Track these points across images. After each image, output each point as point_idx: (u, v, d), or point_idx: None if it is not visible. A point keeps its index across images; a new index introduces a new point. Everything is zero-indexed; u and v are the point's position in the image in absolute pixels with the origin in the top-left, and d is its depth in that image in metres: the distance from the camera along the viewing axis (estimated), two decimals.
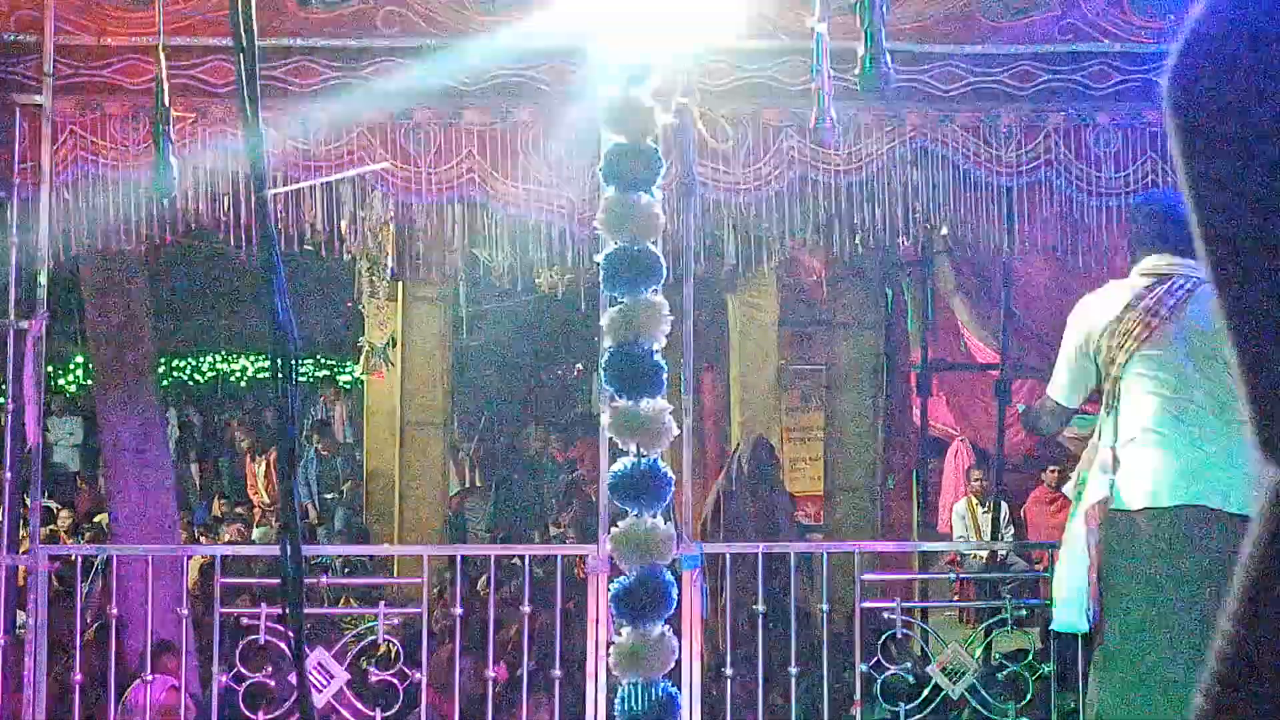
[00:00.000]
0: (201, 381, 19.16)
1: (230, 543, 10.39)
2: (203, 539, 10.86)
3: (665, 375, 3.94)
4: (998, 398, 9.55)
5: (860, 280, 9.58)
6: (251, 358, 18.61)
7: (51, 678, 5.17)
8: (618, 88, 3.92)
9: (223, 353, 19.00)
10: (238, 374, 19.17)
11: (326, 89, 5.06)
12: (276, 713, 4.99)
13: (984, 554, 9.71)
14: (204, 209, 5.07)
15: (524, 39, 5.06)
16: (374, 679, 5.21)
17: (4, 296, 4.99)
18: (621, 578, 3.96)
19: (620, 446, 3.97)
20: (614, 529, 3.97)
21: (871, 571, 5.35)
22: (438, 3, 5.06)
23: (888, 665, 5.22)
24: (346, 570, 9.25)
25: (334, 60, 5.06)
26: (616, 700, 3.98)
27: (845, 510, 9.86)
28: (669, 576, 3.98)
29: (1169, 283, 4.34)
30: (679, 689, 4.33)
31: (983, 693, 5.33)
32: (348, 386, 17.08)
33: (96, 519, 10.83)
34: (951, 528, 11.35)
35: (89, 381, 10.49)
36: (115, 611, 5.23)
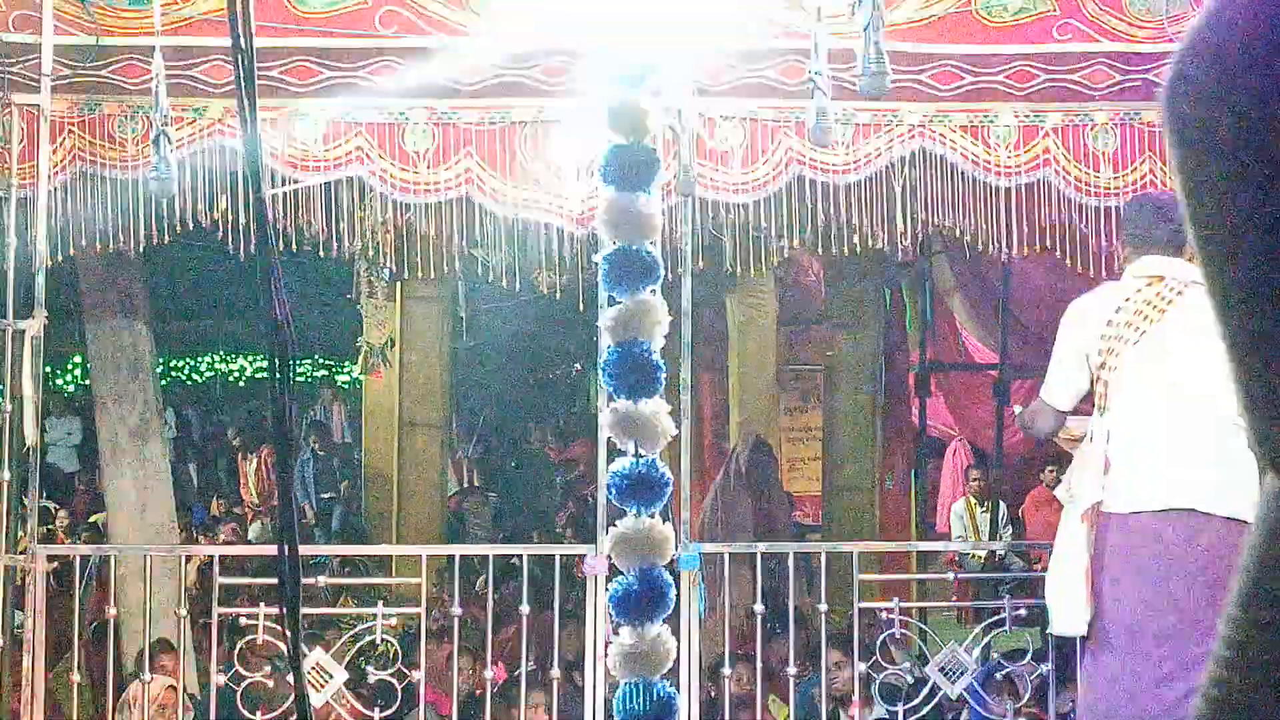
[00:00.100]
0: (200, 381, 19.16)
1: (226, 542, 10.39)
2: (201, 539, 10.85)
3: (664, 375, 3.94)
4: (996, 398, 9.57)
5: (859, 280, 9.58)
6: (250, 358, 18.61)
7: (50, 677, 5.17)
8: (616, 88, 3.92)
9: (221, 353, 19.00)
10: (236, 374, 19.17)
11: (325, 89, 5.06)
12: (274, 713, 4.99)
13: (982, 554, 9.72)
14: (202, 209, 5.07)
15: (522, 39, 5.07)
16: (372, 679, 5.21)
17: (2, 296, 4.99)
18: (620, 578, 3.96)
19: (619, 446, 3.96)
20: (612, 529, 3.97)
21: (870, 572, 5.36)
22: (436, 2, 5.06)
23: (886, 665, 5.23)
24: (345, 570, 9.25)
25: (332, 60, 5.06)
26: (615, 700, 3.98)
27: (844, 510, 9.86)
28: (667, 577, 3.98)
29: (1160, 284, 4.34)
30: (677, 689, 4.33)
31: (981, 692, 5.33)
32: (346, 387, 17.08)
33: (92, 519, 10.83)
34: (950, 528, 11.36)
35: (87, 381, 10.49)
36: (114, 612, 5.23)
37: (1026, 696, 5.33)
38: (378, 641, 5.11)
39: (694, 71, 4.99)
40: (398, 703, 5.07)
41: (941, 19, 5.12)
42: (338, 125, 5.08)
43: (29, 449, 4.96)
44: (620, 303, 3.92)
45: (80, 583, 5.17)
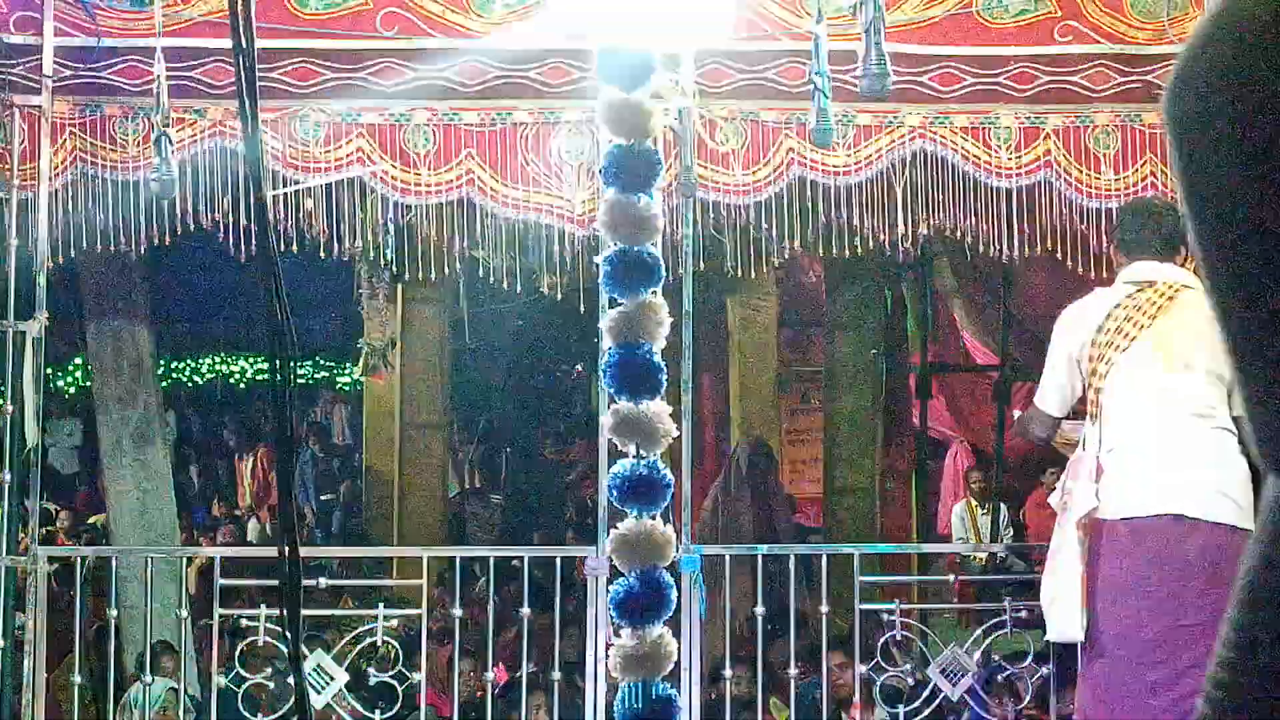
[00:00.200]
0: (200, 383, 19.16)
1: (223, 544, 10.39)
2: (202, 541, 10.86)
3: (665, 377, 3.94)
4: (997, 400, 9.57)
5: (859, 282, 9.57)
6: (250, 359, 18.60)
7: (50, 679, 5.17)
8: (617, 89, 3.92)
9: (222, 354, 19.00)
10: (236, 376, 19.16)
11: (325, 90, 5.06)
12: (275, 714, 4.99)
13: (983, 556, 9.71)
14: (203, 210, 5.07)
15: (523, 40, 5.07)
16: (373, 680, 5.21)
17: (3, 298, 4.99)
18: (621, 579, 3.96)
19: (620, 448, 3.96)
20: (614, 531, 3.97)
21: (871, 574, 5.35)
22: (436, 4, 5.06)
23: (887, 667, 5.22)
24: (343, 572, 9.24)
25: (333, 61, 5.06)
26: (615, 702, 3.98)
27: (845, 512, 9.86)
28: (668, 578, 3.98)
29: (1151, 290, 4.35)
30: (678, 691, 4.33)
31: (982, 695, 5.33)
32: (347, 388, 17.07)
33: (91, 520, 10.83)
34: (951, 530, 11.35)
35: (88, 383, 10.49)
36: (114, 613, 5.23)
37: (1027, 699, 5.33)
38: (378, 643, 5.11)
39: (694, 73, 4.99)
40: (398, 704, 5.06)
41: (943, 21, 5.12)
42: (338, 126, 5.08)
43: (30, 450, 4.96)
44: (621, 304, 3.92)
45: (78, 585, 5.17)
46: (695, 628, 4.91)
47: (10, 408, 4.94)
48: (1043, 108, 5.17)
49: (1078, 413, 4.55)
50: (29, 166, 5.00)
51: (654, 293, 3.93)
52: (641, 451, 3.90)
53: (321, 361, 17.73)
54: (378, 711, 4.99)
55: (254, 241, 4.81)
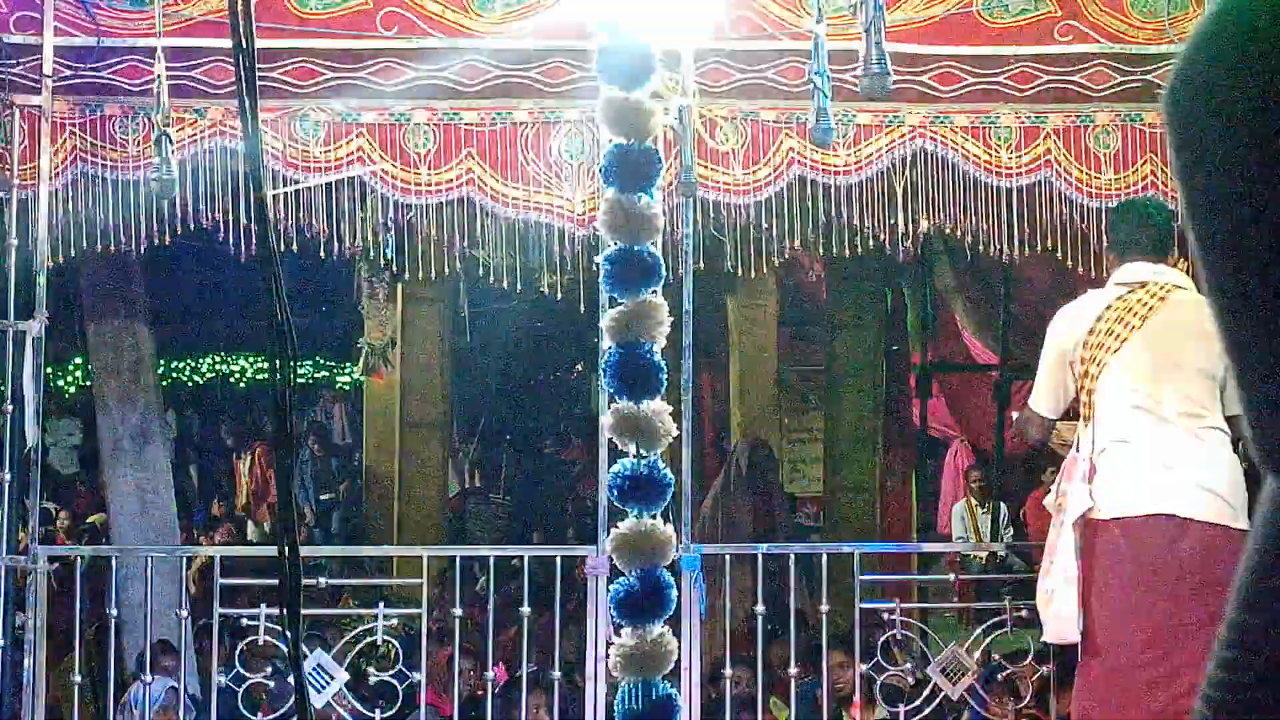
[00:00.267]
0: (200, 383, 19.15)
1: (223, 543, 10.39)
2: (202, 540, 10.86)
3: (665, 376, 3.94)
4: (997, 399, 9.57)
5: (860, 281, 9.58)
6: (250, 359, 18.59)
7: (51, 678, 5.17)
8: (617, 88, 3.92)
9: (222, 354, 18.98)
10: (236, 375, 19.15)
11: (325, 90, 5.06)
12: (276, 713, 4.99)
13: (983, 555, 9.71)
14: (203, 210, 5.07)
15: (523, 39, 5.07)
16: (373, 679, 5.21)
17: (3, 297, 4.99)
18: (621, 579, 3.95)
19: (620, 447, 3.96)
20: (614, 530, 3.97)
21: (871, 573, 5.35)
22: (436, 3, 5.07)
23: (887, 666, 5.23)
24: (344, 571, 9.24)
25: (333, 61, 5.06)
26: (616, 701, 3.98)
27: (845, 511, 9.86)
28: (669, 577, 3.98)
29: (1143, 290, 4.36)
30: (678, 690, 4.33)
31: (982, 694, 5.33)
32: (346, 388, 17.07)
33: (90, 520, 10.83)
34: (951, 529, 11.35)
35: (88, 383, 10.49)
36: (114, 613, 5.23)
37: (1028, 698, 5.33)
38: (379, 642, 5.11)
39: (694, 72, 4.99)
40: (398, 704, 5.07)
41: (943, 20, 5.12)
42: (339, 126, 5.08)
43: (30, 450, 4.97)
44: (621, 304, 3.92)
45: (79, 584, 5.17)
46: (695, 627, 4.91)
47: (10, 407, 4.94)
48: (1043, 107, 5.17)
49: (1075, 414, 4.57)
50: (29, 166, 5.00)
51: (654, 292, 3.92)
52: (641, 451, 3.89)
53: (321, 361, 17.71)
54: (378, 711, 4.99)
55: (254, 241, 4.81)
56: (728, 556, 5.26)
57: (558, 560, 5.24)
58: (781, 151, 5.14)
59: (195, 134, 5.03)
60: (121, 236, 5.07)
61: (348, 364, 15.77)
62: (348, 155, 5.08)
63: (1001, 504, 10.38)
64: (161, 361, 11.72)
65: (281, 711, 5.09)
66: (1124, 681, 4.21)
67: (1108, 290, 4.46)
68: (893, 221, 5.22)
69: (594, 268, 4.35)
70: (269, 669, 5.32)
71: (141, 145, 5.00)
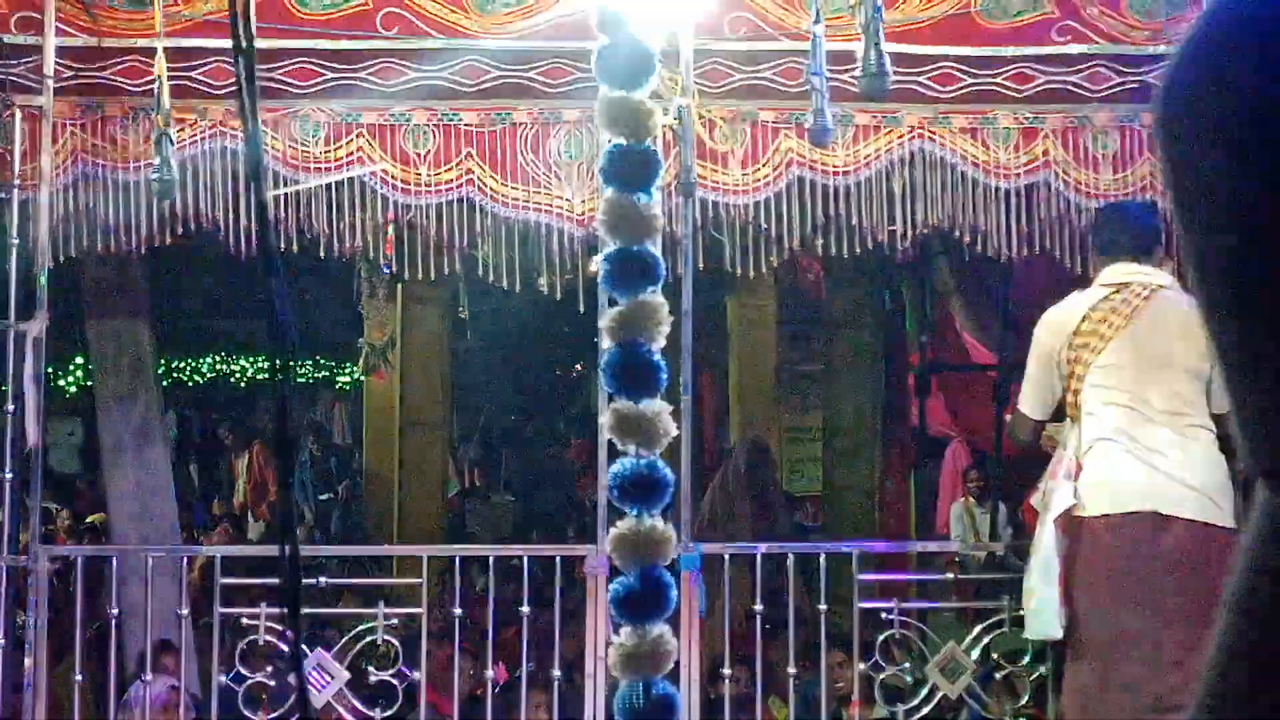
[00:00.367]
0: (201, 383, 19.15)
1: (220, 543, 10.39)
2: (202, 540, 10.86)
3: (665, 376, 3.95)
4: (996, 399, 9.56)
5: (858, 281, 9.58)
6: (251, 359, 18.59)
7: (52, 678, 5.17)
8: (617, 89, 3.93)
9: (222, 354, 18.98)
10: (237, 375, 19.16)
11: (326, 90, 5.07)
12: (276, 713, 5.00)
13: (982, 555, 9.71)
14: (204, 210, 5.08)
15: (522, 40, 5.08)
16: (373, 679, 5.21)
17: (4, 297, 5.00)
18: (621, 578, 3.96)
19: (619, 447, 3.97)
20: (613, 529, 3.98)
21: (870, 572, 5.36)
22: (436, 4, 5.08)
23: (886, 666, 5.23)
24: (344, 570, 9.25)
25: (333, 61, 5.07)
26: (615, 700, 3.99)
27: (844, 511, 9.86)
28: (668, 577, 3.99)
29: (1126, 291, 4.40)
30: (678, 689, 4.34)
31: (980, 693, 5.34)
32: (346, 388, 17.07)
33: (90, 519, 10.83)
34: (949, 529, 11.35)
35: (89, 382, 10.49)
36: (115, 612, 5.23)
37: (1026, 698, 5.34)
38: (379, 642, 5.12)
39: (693, 72, 5.00)
40: (399, 703, 5.07)
41: (941, 21, 5.13)
42: (338, 126, 5.09)
43: (31, 450, 4.97)
44: (621, 304, 3.92)
45: (79, 584, 5.18)
46: (695, 626, 4.92)
47: (11, 407, 4.95)
48: (1041, 108, 5.18)
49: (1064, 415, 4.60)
50: (30, 166, 5.01)
51: (653, 292, 3.93)
52: (641, 450, 3.90)
53: (321, 360, 17.72)
54: (378, 710, 5.00)
55: (255, 241, 4.83)
56: (726, 556, 5.27)
57: (557, 560, 5.25)
58: (780, 152, 5.15)
59: (196, 134, 5.04)
60: (122, 236, 5.08)
61: (348, 364, 15.78)
62: (347, 155, 5.09)
63: (1000, 504, 10.37)
64: (162, 361, 11.73)
65: (282, 711, 5.10)
66: (1110, 679, 4.23)
67: (1092, 292, 4.50)
68: (891, 222, 5.23)
69: (593, 268, 4.36)
70: (269, 668, 5.32)
71: (142, 145, 5.01)
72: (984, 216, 5.21)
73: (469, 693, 6.27)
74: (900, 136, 5.17)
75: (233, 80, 4.24)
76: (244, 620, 5.06)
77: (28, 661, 4.90)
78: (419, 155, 5.11)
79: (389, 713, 5.02)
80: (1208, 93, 0.93)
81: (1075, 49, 5.15)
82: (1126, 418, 4.30)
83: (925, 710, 5.12)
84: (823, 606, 5.17)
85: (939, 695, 5.14)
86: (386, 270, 5.54)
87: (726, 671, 5.21)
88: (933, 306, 10.20)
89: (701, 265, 5.16)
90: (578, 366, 16.32)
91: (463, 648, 5.50)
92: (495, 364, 14.95)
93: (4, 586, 4.95)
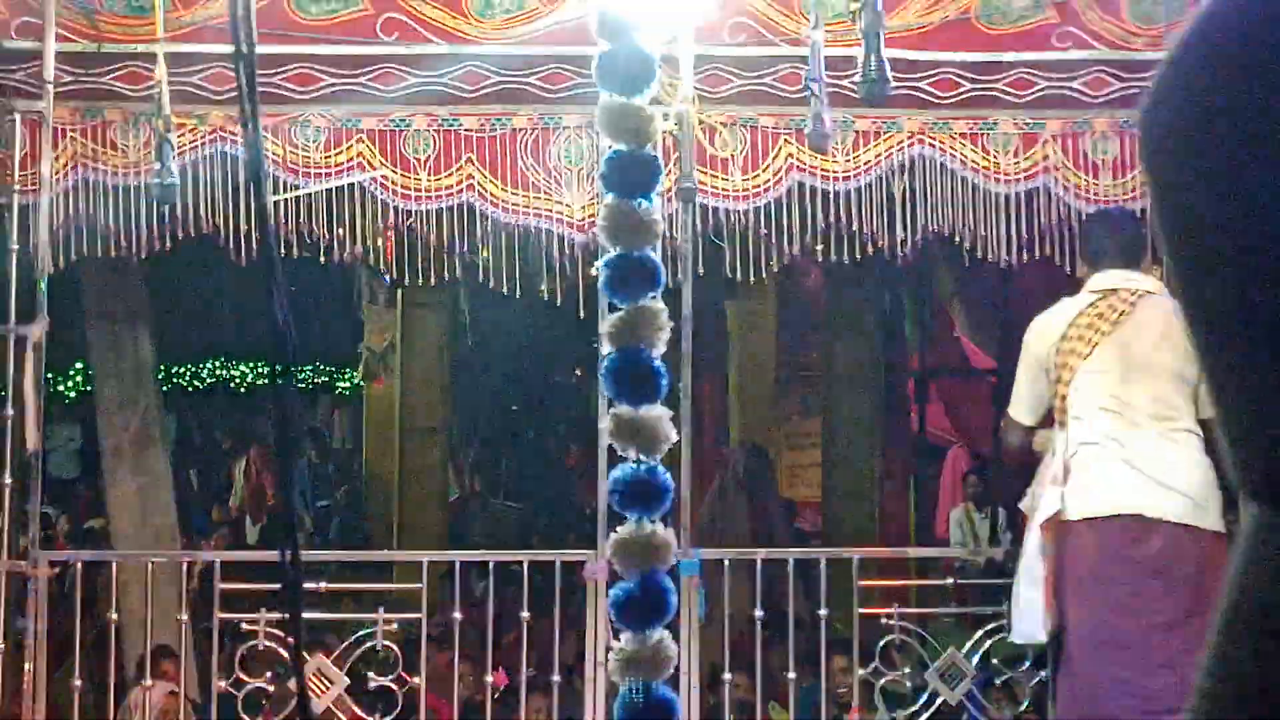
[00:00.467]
0: (201, 388, 19.14)
1: (218, 548, 10.38)
2: (202, 545, 10.85)
3: (665, 381, 3.95)
4: (995, 404, 9.56)
5: (858, 287, 9.57)
6: (251, 364, 18.60)
7: (51, 683, 5.17)
8: (617, 94, 3.93)
9: (222, 359, 18.98)
10: (237, 380, 19.16)
11: (326, 95, 5.07)
12: (276, 718, 4.99)
13: (982, 560, 9.71)
14: (204, 216, 5.08)
15: (522, 45, 5.08)
16: (373, 684, 5.21)
17: (4, 302, 5.00)
18: (621, 583, 3.96)
19: (619, 452, 3.97)
20: (613, 534, 3.98)
21: (870, 578, 5.36)
22: (436, 9, 5.08)
23: (886, 671, 5.23)
24: (344, 575, 9.23)
25: (333, 67, 5.07)
26: (615, 705, 3.98)
27: (844, 517, 9.85)
28: (668, 582, 3.99)
29: (1113, 297, 4.43)
30: (678, 694, 4.34)
31: (980, 699, 5.33)
32: (347, 393, 17.07)
33: (89, 524, 10.82)
34: (949, 534, 11.34)
35: (89, 387, 10.49)
36: (115, 617, 5.23)
37: (1026, 703, 5.34)
38: (378, 647, 5.12)
39: (694, 78, 5.00)
40: (399, 708, 5.07)
41: (941, 26, 5.13)
42: (339, 132, 5.09)
43: (31, 455, 4.97)
44: (621, 309, 3.93)
45: (78, 589, 5.17)
46: (694, 632, 4.91)
47: (11, 411, 4.95)
48: (1041, 113, 5.19)
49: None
50: (30, 172, 5.01)
51: (654, 298, 3.94)
52: (641, 456, 3.90)
53: (321, 366, 17.72)
54: (378, 715, 5.00)
55: (255, 246, 4.83)
56: (726, 561, 5.26)
57: (557, 565, 5.25)
58: (780, 157, 5.15)
59: (196, 139, 5.04)
60: (122, 241, 5.08)
61: (348, 369, 15.77)
62: (348, 161, 5.09)
63: (1000, 509, 10.37)
64: (162, 366, 11.72)
65: (282, 716, 5.10)
66: (1101, 681, 4.26)
67: (1080, 298, 4.54)
68: (891, 228, 5.23)
69: (593, 273, 4.36)
70: (269, 674, 5.32)
71: (142, 151, 5.01)
72: (984, 221, 5.21)
73: (469, 698, 6.27)
74: (900, 142, 5.18)
75: (233, 85, 4.23)
76: (244, 625, 5.06)
77: (27, 666, 4.90)
78: (419, 160, 5.11)
79: (389, 718, 5.02)
80: (1193, 105, 0.93)
81: (1075, 54, 5.15)
82: (1111, 422, 4.34)
83: (925, 716, 5.12)
84: (823, 612, 5.17)
85: (939, 700, 5.13)
86: (385, 278, 5.54)
87: (727, 677, 5.21)
88: (932, 311, 10.20)
89: (701, 271, 5.16)
90: (578, 372, 16.32)
91: (462, 653, 5.50)
92: (495, 369, 14.95)
93: (3, 591, 4.94)
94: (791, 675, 5.22)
